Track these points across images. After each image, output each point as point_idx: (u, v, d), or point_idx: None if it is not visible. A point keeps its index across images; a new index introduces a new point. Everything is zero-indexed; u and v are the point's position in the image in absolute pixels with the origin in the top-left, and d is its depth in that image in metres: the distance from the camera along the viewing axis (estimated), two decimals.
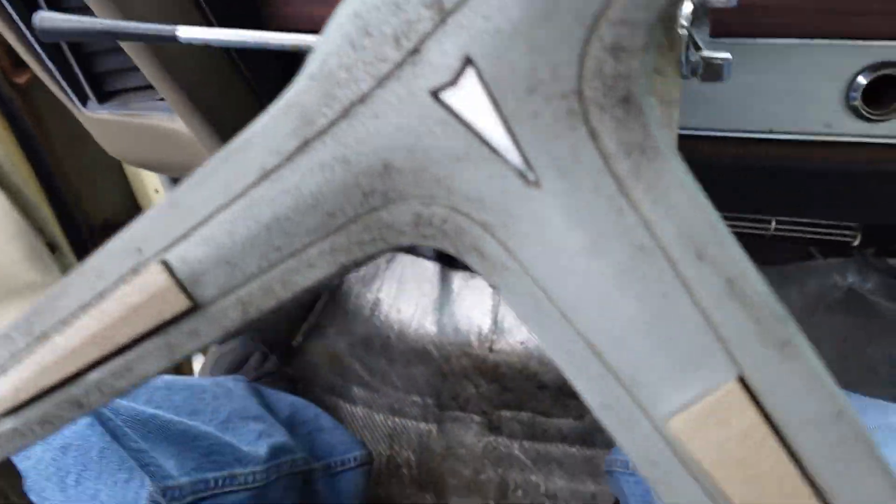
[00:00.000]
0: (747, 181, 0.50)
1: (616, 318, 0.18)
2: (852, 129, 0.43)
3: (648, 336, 0.18)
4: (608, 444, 0.93)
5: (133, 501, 0.43)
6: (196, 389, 0.58)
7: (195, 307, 0.21)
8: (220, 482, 0.48)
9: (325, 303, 1.12)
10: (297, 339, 1.07)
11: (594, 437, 0.94)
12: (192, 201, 0.20)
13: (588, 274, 0.18)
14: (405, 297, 1.13)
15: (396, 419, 0.96)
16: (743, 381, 0.18)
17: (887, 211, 0.53)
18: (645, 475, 0.20)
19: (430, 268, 1.14)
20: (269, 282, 0.21)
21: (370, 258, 0.21)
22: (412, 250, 1.18)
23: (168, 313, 0.21)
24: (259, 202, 0.19)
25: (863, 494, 0.18)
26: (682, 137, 0.42)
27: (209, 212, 0.20)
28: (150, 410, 0.51)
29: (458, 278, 1.14)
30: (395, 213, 0.19)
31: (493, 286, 0.20)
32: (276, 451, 0.56)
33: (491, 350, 1.09)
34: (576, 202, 0.17)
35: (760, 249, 1.00)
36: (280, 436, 0.59)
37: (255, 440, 0.55)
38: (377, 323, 1.11)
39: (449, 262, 1.17)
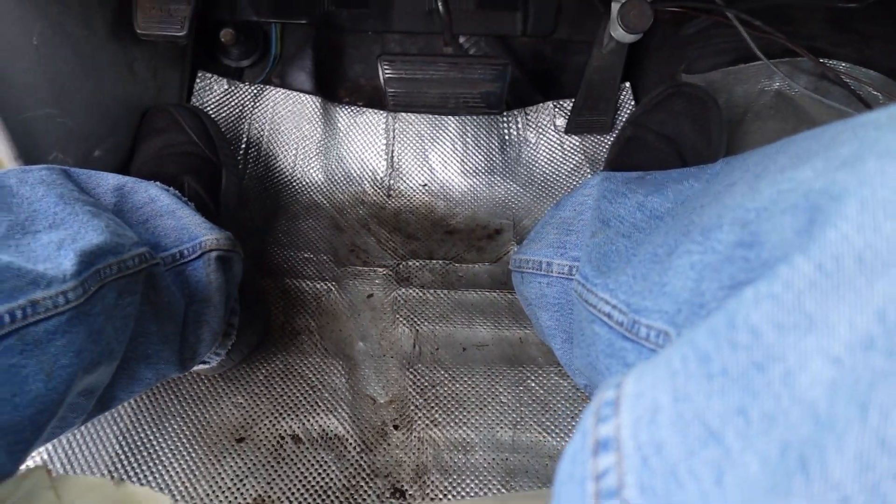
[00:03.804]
0: None
1: None
2: None
3: None
4: None
5: None
6: None
7: None
8: (15, 316, 0.37)
9: None
10: None
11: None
12: None
13: None
14: (281, 141, 0.93)
15: (287, 280, 0.80)
16: None
17: None
18: None
19: (309, 103, 0.94)
20: None
21: None
22: (284, 82, 0.96)
23: None
24: None
25: None
26: None
27: None
28: None
29: (342, 114, 0.95)
30: None
31: None
32: (89, 258, 0.43)
33: (389, 196, 0.94)
34: None
35: (686, 55, 0.89)
36: (95, 235, 0.45)
37: (56, 253, 0.42)
38: (250, 173, 0.91)
39: (330, 93, 0.97)
